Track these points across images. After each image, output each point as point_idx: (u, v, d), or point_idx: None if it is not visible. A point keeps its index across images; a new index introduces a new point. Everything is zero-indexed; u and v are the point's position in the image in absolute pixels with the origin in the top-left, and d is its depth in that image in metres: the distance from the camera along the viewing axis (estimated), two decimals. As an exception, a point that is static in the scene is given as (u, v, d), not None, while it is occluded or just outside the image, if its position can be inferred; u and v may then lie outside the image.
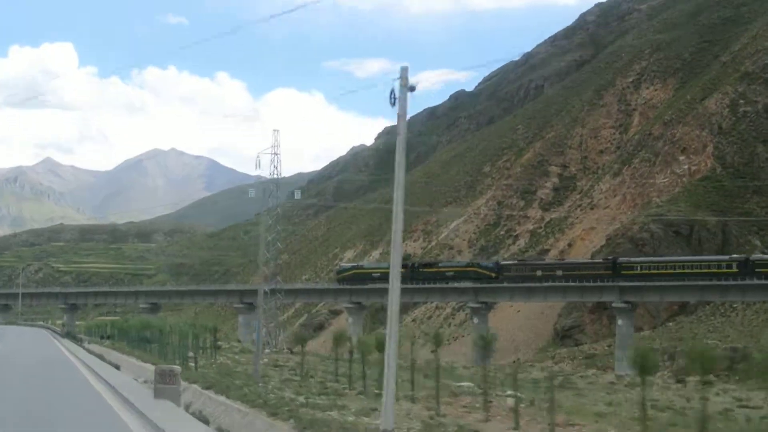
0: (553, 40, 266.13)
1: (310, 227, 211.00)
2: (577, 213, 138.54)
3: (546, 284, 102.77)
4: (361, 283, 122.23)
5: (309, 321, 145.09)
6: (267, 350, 70.89)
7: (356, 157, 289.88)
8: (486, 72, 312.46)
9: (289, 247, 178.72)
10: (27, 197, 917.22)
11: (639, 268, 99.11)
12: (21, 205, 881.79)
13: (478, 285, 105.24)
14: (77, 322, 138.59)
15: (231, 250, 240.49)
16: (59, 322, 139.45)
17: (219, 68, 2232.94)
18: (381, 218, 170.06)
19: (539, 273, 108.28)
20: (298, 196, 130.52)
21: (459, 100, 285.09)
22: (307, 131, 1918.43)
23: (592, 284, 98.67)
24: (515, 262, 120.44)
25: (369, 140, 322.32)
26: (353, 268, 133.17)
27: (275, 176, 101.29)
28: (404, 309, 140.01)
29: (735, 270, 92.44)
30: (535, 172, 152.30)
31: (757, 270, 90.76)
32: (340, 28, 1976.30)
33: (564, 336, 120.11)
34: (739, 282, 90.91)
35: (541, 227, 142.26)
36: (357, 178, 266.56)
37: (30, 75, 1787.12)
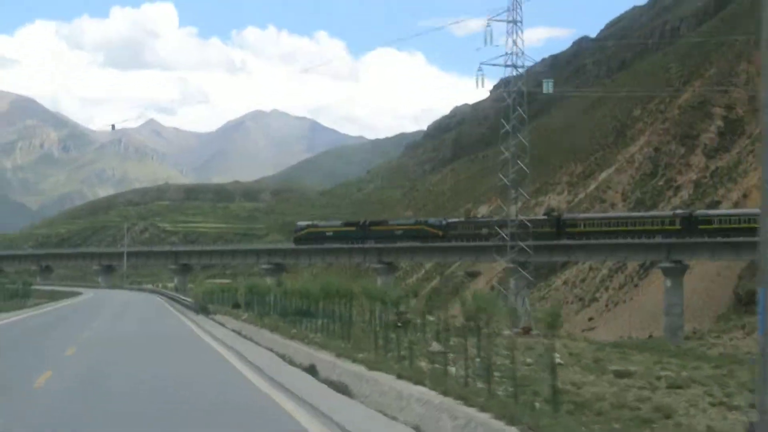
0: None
1: (434, 182, 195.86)
2: (749, 159, 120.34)
3: (739, 239, 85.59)
4: (316, 243, 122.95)
5: (444, 283, 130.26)
6: (515, 329, 55.53)
7: (475, 109, 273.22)
8: (593, 27, 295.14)
9: (413, 203, 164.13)
10: (131, 158, 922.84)
11: (583, 225, 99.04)
12: (125, 166, 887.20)
13: (671, 240, 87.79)
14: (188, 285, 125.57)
15: (344, 207, 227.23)
16: (170, 285, 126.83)
17: (318, 27, 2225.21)
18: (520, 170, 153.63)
19: (485, 231, 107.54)
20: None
21: (582, 46, 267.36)
22: (407, 91, 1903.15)
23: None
24: (461, 219, 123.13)
25: (471, 100, 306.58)
26: (308, 226, 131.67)
27: (512, 53, 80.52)
28: (551, 270, 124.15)
29: (678, 227, 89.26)
30: (695, 114, 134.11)
31: (700, 227, 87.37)
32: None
33: (748, 302, 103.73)
34: (686, 240, 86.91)
35: (706, 176, 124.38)
36: (476, 131, 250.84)
37: (131, 36, 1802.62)
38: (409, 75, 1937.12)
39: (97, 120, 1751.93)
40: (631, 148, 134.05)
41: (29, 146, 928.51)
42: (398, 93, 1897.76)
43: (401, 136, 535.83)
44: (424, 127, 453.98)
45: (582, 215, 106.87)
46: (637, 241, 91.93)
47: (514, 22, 78.86)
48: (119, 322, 45.95)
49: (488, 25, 76.82)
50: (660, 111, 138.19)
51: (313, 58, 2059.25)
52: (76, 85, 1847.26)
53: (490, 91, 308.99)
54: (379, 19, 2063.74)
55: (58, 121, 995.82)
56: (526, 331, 60.43)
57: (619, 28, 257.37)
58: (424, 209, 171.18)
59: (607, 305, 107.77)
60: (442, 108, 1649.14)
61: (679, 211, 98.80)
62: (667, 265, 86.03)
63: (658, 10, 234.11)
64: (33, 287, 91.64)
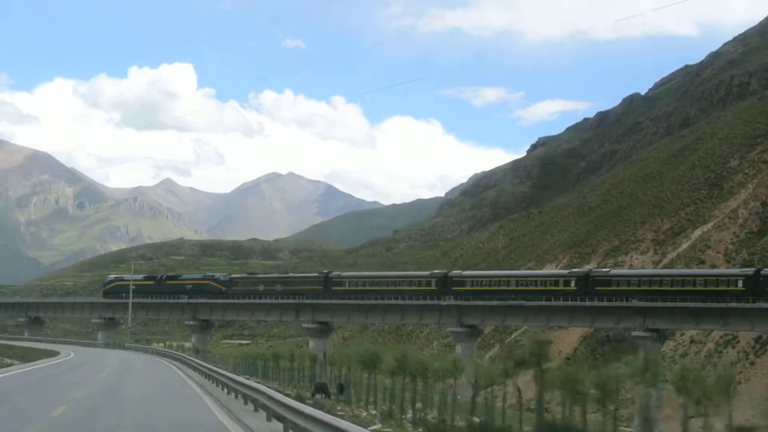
0: (744, 38, 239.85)
1: (481, 239, 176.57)
2: None
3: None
4: (119, 297, 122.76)
5: (508, 353, 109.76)
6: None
7: (516, 166, 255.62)
8: (608, 102, 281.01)
9: (459, 261, 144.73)
10: (145, 216, 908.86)
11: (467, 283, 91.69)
12: (139, 223, 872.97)
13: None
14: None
15: (375, 266, 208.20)
16: (186, 345, 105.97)
17: (335, 92, 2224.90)
18: (588, 225, 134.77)
19: (261, 287, 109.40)
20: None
21: (634, 104, 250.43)
22: (423, 158, 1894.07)
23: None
24: (244, 275, 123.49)
25: (488, 167, 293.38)
26: (116, 279, 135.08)
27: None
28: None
29: (573, 288, 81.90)
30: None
31: (597, 288, 79.91)
32: (455, 55, 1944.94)
33: None
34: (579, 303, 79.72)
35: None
36: (518, 189, 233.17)
37: (148, 95, 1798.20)
38: (425, 143, 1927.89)
39: (112, 178, 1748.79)
40: (731, 202, 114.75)
41: (44, 201, 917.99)
42: (414, 160, 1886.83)
43: (419, 202, 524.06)
44: (441, 194, 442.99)
45: (467, 273, 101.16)
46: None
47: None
48: None
49: None
50: (764, 161, 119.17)
51: (329, 123, 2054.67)
52: (92, 142, 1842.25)
53: (527, 151, 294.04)
54: (398, 85, 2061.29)
55: (73, 177, 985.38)
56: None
57: (672, 87, 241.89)
58: (476, 268, 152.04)
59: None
60: (459, 176, 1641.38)
61: (575, 270, 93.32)
62: None
63: (722, 65, 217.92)
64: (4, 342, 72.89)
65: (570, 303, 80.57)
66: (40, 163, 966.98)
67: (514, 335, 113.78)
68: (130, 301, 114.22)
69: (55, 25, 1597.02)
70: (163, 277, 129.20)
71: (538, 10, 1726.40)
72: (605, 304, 77.66)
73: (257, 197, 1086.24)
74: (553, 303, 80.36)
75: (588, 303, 78.70)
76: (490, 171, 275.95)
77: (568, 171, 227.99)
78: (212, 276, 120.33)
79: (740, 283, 73.17)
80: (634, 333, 76.20)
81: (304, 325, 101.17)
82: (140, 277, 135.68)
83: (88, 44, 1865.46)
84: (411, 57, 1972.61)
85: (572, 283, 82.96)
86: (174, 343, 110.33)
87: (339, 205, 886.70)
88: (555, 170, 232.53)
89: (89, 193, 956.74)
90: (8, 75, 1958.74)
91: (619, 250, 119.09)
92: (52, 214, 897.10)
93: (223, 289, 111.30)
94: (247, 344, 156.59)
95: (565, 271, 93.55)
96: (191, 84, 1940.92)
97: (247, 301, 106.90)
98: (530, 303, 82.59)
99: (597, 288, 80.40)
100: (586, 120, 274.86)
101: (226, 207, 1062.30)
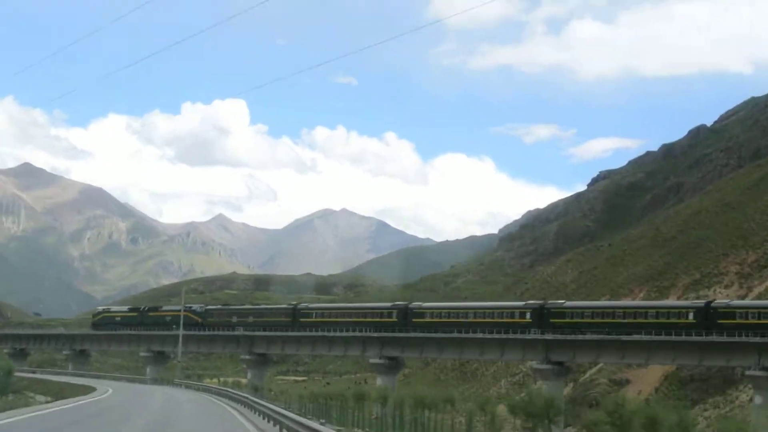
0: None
1: (548, 273, 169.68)
2: None
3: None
4: (109, 327, 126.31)
5: (581, 394, 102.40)
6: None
7: (578, 200, 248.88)
8: (665, 137, 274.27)
9: (525, 295, 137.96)
10: (198, 251, 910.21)
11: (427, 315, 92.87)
12: (192, 259, 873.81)
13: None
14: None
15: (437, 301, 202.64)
16: (243, 381, 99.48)
17: (387, 129, 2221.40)
18: (665, 258, 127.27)
19: (235, 319, 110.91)
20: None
21: (701, 136, 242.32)
22: (475, 195, 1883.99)
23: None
24: (219, 307, 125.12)
25: (541, 204, 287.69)
26: (103, 311, 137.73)
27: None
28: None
29: (529, 320, 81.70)
30: None
31: (552, 321, 79.83)
32: (507, 92, 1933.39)
33: None
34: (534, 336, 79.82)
35: None
36: (581, 223, 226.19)
37: (201, 131, 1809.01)
38: (478, 180, 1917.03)
39: (165, 213, 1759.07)
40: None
41: (97, 236, 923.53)
42: (466, 197, 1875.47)
43: (472, 239, 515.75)
44: (494, 231, 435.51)
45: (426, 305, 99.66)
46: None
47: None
48: None
49: None
50: None
51: (381, 160, 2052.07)
52: (145, 178, 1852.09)
53: (588, 185, 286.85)
54: (450, 122, 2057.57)
55: (126, 212, 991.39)
56: None
57: (740, 118, 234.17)
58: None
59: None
60: (511, 213, 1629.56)
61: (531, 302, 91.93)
62: None
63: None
64: (44, 376, 66.12)
65: (654, 337, 73.45)
66: (94, 198, 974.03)
67: (588, 373, 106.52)
68: (180, 333, 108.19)
69: (109, 61, 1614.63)
70: (146, 309, 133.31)
71: (590, 47, 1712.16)
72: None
73: (310, 233, 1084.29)
74: (655, 337, 72.67)
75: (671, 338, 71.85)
76: (552, 204, 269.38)
77: (632, 204, 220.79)
78: (190, 307, 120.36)
79: (691, 316, 72.62)
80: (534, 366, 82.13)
81: (372, 360, 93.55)
82: (125, 308, 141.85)
83: (141, 80, 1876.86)
84: (461, 94, 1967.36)
85: (527, 316, 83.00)
86: (230, 380, 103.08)
87: (391, 242, 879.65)
88: (619, 203, 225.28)
89: (142, 228, 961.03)
90: (63, 110, 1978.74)
91: (700, 284, 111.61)
92: (105, 249, 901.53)
93: (199, 320, 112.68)
94: (303, 380, 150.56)
95: (521, 303, 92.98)
96: (244, 120, 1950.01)
97: (310, 333, 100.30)
98: (628, 338, 75.12)
99: (552, 320, 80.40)
100: (649, 153, 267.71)
101: (278, 243, 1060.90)
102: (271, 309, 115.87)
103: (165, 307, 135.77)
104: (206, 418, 42.69)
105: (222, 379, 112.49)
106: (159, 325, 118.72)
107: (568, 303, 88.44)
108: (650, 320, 74.37)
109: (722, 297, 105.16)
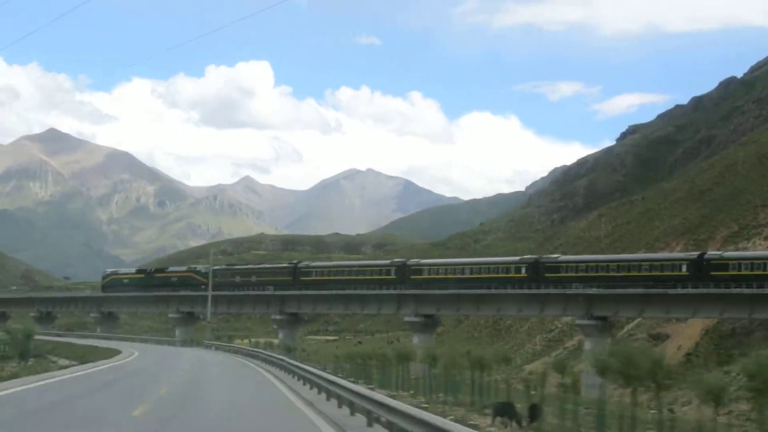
0: None
1: (581, 228, 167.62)
2: None
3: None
4: (118, 289, 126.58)
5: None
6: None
7: (607, 155, 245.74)
8: (694, 91, 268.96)
9: (559, 251, 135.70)
10: (225, 214, 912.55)
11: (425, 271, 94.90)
12: (219, 221, 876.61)
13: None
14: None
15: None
16: (275, 342, 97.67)
17: (412, 88, 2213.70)
18: (702, 210, 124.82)
19: (238, 279, 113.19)
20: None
21: (731, 88, 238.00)
22: (501, 153, 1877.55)
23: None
24: (223, 267, 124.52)
25: (568, 161, 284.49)
26: (112, 274, 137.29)
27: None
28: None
29: (524, 275, 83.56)
30: None
31: (546, 275, 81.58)
32: (531, 49, 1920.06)
33: None
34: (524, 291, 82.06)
35: None
36: (612, 178, 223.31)
37: (226, 94, 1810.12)
38: (504, 138, 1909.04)
39: (192, 176, 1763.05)
40: None
41: (125, 200, 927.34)
42: (492, 155, 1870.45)
43: (499, 197, 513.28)
44: (521, 188, 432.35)
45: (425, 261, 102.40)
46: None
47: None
48: None
49: None
50: None
51: (406, 119, 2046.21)
52: (171, 141, 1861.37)
53: (617, 140, 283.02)
54: (474, 81, 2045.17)
55: (153, 175, 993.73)
56: None
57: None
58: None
59: None
60: (537, 170, 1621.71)
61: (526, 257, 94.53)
62: None
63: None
64: (70, 339, 64.63)
65: (691, 291, 71.53)
66: (121, 162, 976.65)
67: (626, 328, 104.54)
68: (210, 293, 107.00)
69: (133, 25, 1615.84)
70: (152, 271, 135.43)
71: (612, 3, 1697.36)
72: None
73: (337, 194, 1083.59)
74: (702, 290, 70.60)
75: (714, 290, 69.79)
76: (581, 159, 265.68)
77: (663, 158, 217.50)
78: (195, 268, 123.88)
79: (684, 268, 73.20)
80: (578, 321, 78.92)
81: (407, 318, 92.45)
82: (133, 270, 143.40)
83: (165, 44, 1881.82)
84: (485, 52, 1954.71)
85: (522, 270, 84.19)
86: (261, 340, 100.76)
87: (418, 201, 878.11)
88: (650, 157, 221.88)
89: (169, 191, 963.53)
90: (87, 75, 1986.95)
91: (739, 236, 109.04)
92: (132, 212, 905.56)
93: (204, 280, 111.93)
94: (334, 340, 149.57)
95: (516, 258, 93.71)
96: (268, 82, 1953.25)
97: (339, 292, 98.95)
98: (651, 291, 73.45)
99: (546, 275, 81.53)
100: (678, 106, 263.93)
101: (305, 204, 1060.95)
102: (272, 269, 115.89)
103: (171, 268, 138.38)
104: (237, 382, 38.74)
105: (253, 339, 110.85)
106: (166, 286, 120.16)
107: (562, 257, 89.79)
108: (644, 273, 75.19)
109: (762, 248, 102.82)
